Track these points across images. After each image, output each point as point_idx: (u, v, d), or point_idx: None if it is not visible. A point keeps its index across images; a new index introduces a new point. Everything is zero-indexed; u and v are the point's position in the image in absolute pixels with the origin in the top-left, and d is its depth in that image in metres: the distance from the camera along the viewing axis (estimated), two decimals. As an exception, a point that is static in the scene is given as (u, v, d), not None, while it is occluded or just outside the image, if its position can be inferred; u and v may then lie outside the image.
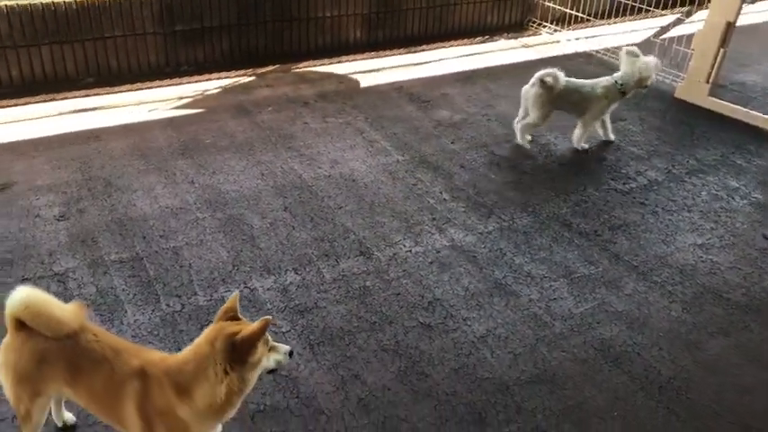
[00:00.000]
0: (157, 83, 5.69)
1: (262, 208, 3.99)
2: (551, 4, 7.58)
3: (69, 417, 2.53)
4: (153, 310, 3.14)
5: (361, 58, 6.52)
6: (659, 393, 2.85)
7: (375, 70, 6.25)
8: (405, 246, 3.72)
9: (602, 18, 7.74)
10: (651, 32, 7.47)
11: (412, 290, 3.38)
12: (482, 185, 4.38)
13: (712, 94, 5.73)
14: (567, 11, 7.58)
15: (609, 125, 5.04)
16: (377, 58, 6.57)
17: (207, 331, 1.96)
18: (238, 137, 4.84)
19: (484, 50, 6.97)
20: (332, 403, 2.71)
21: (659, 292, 3.46)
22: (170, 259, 3.50)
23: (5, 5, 5.06)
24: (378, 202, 4.12)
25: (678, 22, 8.05)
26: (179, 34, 5.81)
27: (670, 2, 7.84)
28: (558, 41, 7.31)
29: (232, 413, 2.03)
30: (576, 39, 7.29)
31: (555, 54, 6.87)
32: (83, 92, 5.42)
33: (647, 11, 7.56)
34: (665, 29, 7.73)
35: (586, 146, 4.91)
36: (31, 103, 5.19)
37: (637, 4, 7.42)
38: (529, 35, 7.49)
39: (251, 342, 1.89)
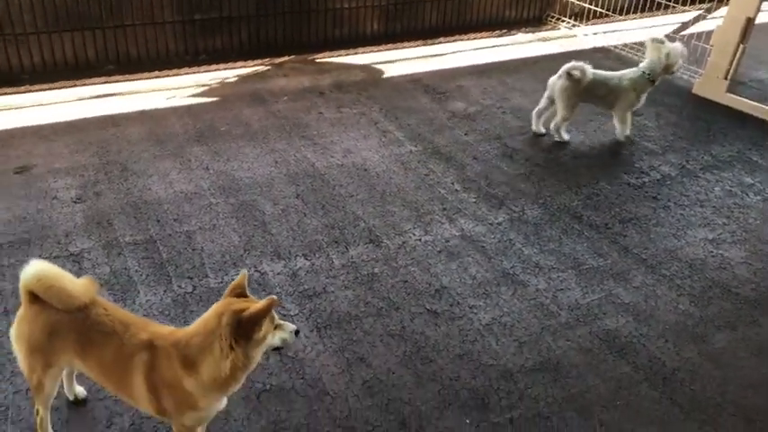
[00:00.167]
0: (176, 71, 5.76)
1: (274, 195, 4.04)
2: (570, -1, 7.55)
3: (80, 391, 2.60)
4: (165, 291, 3.20)
5: (378, 50, 6.54)
6: (663, 384, 2.85)
7: (391, 62, 6.28)
8: (414, 234, 3.75)
9: (622, 14, 7.69)
10: (671, 28, 7.40)
11: (420, 277, 3.42)
12: (494, 177, 4.40)
13: (731, 90, 5.68)
14: (587, 6, 7.53)
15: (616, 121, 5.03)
16: (394, 49, 6.59)
17: (215, 306, 2.01)
18: (253, 125, 4.89)
19: (501, 44, 6.96)
20: (337, 385, 2.75)
21: (667, 286, 3.46)
22: (183, 242, 3.56)
23: (29, -8, 5.16)
24: (389, 192, 4.15)
25: (700, 18, 7.96)
26: (198, 23, 5.88)
27: (691, -2, 7.77)
28: (575, 36, 7.28)
29: (236, 388, 2.07)
30: (594, 34, 7.26)
31: (573, 49, 6.84)
32: (103, 78, 5.50)
33: (669, 6, 7.49)
34: (685, 25, 7.65)
35: (629, 133, 4.95)
36: (52, 88, 5.29)
37: (658, 0, 7.37)
38: (547, 30, 7.46)
39: (256, 319, 1.93)
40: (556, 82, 4.74)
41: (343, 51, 6.44)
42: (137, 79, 5.56)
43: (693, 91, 5.89)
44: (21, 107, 4.98)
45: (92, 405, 2.59)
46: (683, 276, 3.53)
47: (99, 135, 4.62)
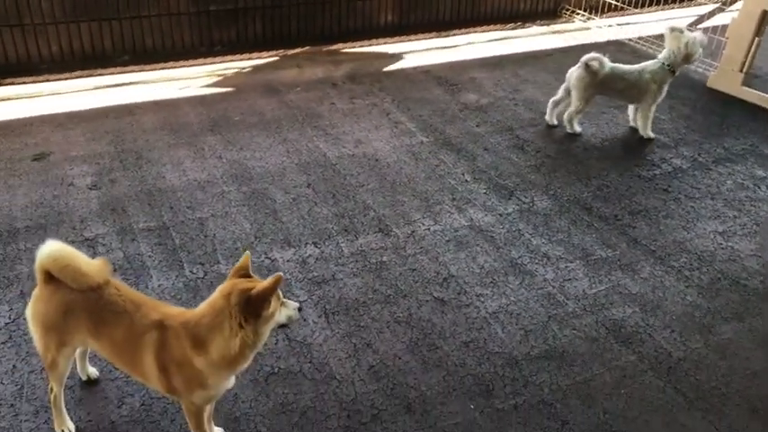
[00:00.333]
0: (191, 61, 5.82)
1: (285, 184, 4.09)
2: (586, -9, 7.52)
3: (93, 371, 2.67)
4: (177, 276, 3.26)
5: (391, 42, 6.56)
6: (668, 374, 2.87)
7: (405, 53, 6.30)
8: (423, 224, 3.79)
9: (638, 6, 7.64)
10: (687, 21, 7.34)
11: (428, 266, 3.45)
12: (504, 168, 4.41)
13: (746, 83, 5.64)
14: (602, -2, 7.50)
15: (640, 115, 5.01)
16: (407, 41, 6.61)
17: (221, 287, 2.06)
18: (266, 115, 4.94)
19: (515, 36, 6.96)
20: (343, 369, 2.80)
21: (676, 277, 3.46)
22: (195, 229, 3.62)
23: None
24: (399, 182, 4.18)
25: (718, 11, 7.89)
26: (213, 14, 5.93)
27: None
28: (590, 29, 7.25)
29: (245, 366, 2.12)
30: (609, 26, 7.22)
31: (587, 42, 6.82)
32: (119, 68, 5.58)
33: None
34: (702, 18, 7.59)
35: (653, 135, 4.90)
36: (69, 78, 5.38)
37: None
38: (562, 22, 7.44)
39: (265, 297, 1.98)
40: (573, 72, 4.74)
41: (356, 43, 6.47)
42: (152, 69, 5.63)
43: (708, 84, 5.86)
44: (38, 96, 5.07)
45: (104, 385, 2.66)
46: (691, 268, 3.53)
47: (115, 124, 4.69)
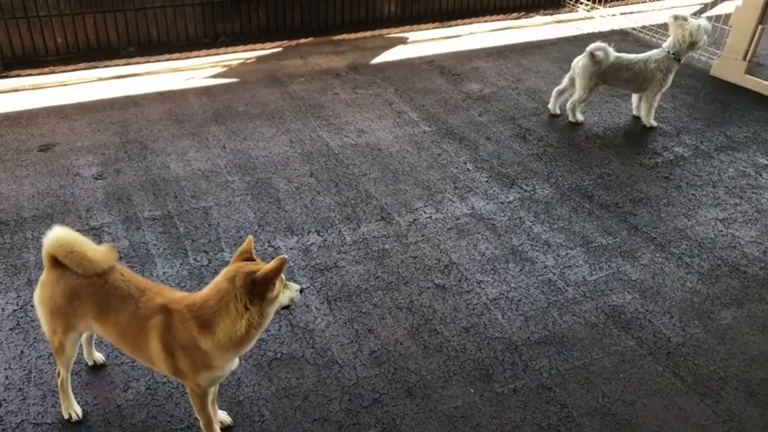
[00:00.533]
0: (195, 52, 5.86)
1: (289, 173, 4.13)
2: (589, -19, 7.50)
3: (99, 356, 2.72)
4: (181, 264, 3.31)
5: (395, 32, 6.58)
6: (667, 359, 2.90)
7: (408, 43, 6.31)
8: (425, 212, 3.82)
9: (643, -5, 7.62)
10: (691, 10, 7.32)
11: (429, 253, 3.48)
12: (506, 157, 4.43)
13: (750, 72, 5.63)
14: (606, -13, 7.48)
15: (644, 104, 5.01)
16: (410, 31, 6.62)
17: (225, 271, 2.10)
18: (270, 105, 4.97)
19: (518, 26, 6.96)
20: (345, 354, 2.84)
21: (676, 263, 3.48)
22: (199, 218, 3.66)
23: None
24: (402, 171, 4.21)
25: (721, 0, 7.86)
26: (217, 6, 5.96)
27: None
28: (593, 18, 7.23)
29: (249, 347, 2.16)
30: (613, 15, 7.21)
31: (590, 31, 6.81)
32: (124, 60, 5.62)
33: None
34: (706, 6, 7.57)
35: (655, 123, 4.91)
36: (75, 69, 5.42)
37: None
38: (565, 12, 7.43)
39: (270, 278, 2.02)
40: (578, 61, 4.75)
41: (359, 33, 6.48)
42: (157, 61, 5.67)
43: (711, 73, 5.85)
44: (45, 87, 5.12)
45: (110, 370, 2.71)
46: (691, 255, 3.56)
47: (119, 115, 4.73)
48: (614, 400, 2.69)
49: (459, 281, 3.30)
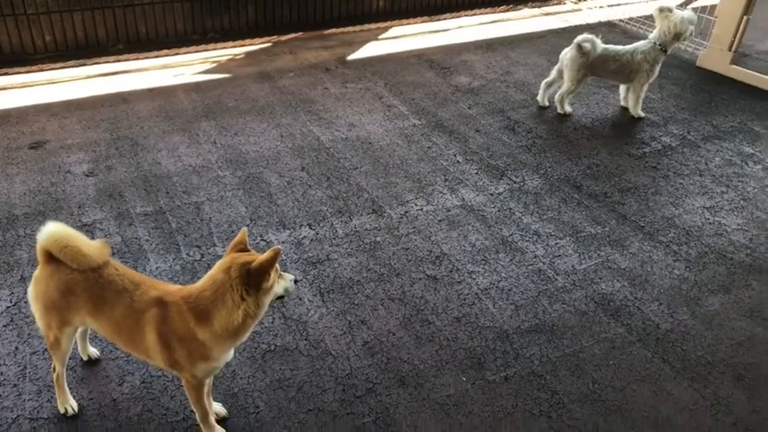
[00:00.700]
0: (184, 49, 5.85)
1: (280, 168, 4.14)
2: (577, -27, 7.53)
3: (93, 351, 2.74)
4: (174, 259, 3.32)
5: (383, 26, 6.59)
6: (655, 345, 2.94)
7: (397, 37, 6.33)
8: (416, 204, 3.85)
9: (629, -13, 7.66)
10: (678, 2, 7.38)
11: (420, 245, 3.51)
12: (496, 149, 4.47)
13: (736, 62, 5.69)
14: (593, -21, 7.52)
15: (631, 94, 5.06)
16: (399, 25, 6.64)
17: (220, 262, 2.12)
18: (260, 101, 4.99)
19: (506, 18, 6.99)
20: (338, 345, 2.87)
21: (664, 252, 3.53)
22: (191, 213, 3.68)
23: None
24: (392, 164, 4.24)
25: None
26: (206, 2, 5.95)
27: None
28: (581, 10, 7.28)
29: (245, 337, 2.18)
30: (600, 7, 7.25)
31: (578, 23, 6.85)
32: (113, 57, 5.61)
33: (675, -21, 7.45)
34: (693, -2, 7.62)
35: (643, 114, 4.95)
36: (64, 67, 5.40)
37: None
38: (553, 4, 7.46)
39: (265, 269, 2.04)
40: (566, 53, 4.79)
41: (349, 28, 6.50)
42: (146, 57, 5.66)
43: (698, 63, 5.91)
44: (34, 85, 5.10)
45: (105, 364, 2.73)
46: (679, 243, 3.60)
47: (110, 112, 4.73)
48: (604, 386, 2.74)
49: (451, 271, 3.33)
